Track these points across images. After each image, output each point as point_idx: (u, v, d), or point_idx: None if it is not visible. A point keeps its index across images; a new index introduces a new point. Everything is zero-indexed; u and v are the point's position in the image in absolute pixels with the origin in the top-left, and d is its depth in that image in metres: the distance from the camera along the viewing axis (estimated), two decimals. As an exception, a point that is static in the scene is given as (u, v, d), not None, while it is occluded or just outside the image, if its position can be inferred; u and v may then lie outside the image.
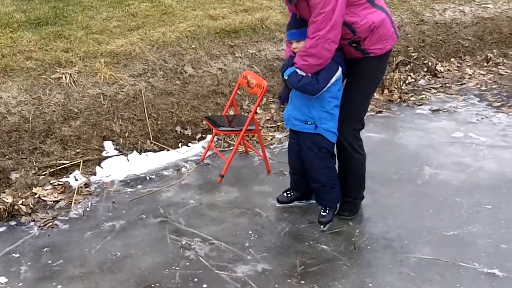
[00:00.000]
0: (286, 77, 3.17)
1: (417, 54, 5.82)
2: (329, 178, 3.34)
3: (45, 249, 3.24)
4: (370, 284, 2.94)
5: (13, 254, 3.21)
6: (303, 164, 3.39)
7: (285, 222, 3.47)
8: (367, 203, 3.61)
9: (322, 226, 3.40)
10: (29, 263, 3.13)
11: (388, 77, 5.36)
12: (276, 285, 2.94)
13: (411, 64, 5.70)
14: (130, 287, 2.94)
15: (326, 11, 2.89)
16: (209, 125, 4.08)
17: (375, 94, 5.28)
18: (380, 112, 5.01)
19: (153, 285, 2.93)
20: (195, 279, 2.98)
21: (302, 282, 2.97)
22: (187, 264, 3.10)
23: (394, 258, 3.15)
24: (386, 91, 5.28)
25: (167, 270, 3.05)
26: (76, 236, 3.36)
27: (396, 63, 5.44)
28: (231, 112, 4.28)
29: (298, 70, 3.10)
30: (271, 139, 4.47)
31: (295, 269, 3.06)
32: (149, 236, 3.36)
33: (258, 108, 4.70)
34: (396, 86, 5.30)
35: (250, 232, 3.38)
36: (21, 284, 2.97)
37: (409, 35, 5.98)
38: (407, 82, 5.55)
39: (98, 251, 3.22)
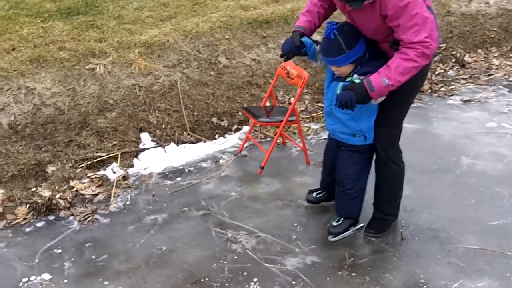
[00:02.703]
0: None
1: (445, 45, 5.75)
2: (354, 185, 3.15)
3: (87, 244, 3.20)
4: (421, 275, 2.92)
5: (55, 250, 3.16)
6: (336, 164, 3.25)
7: (330, 213, 3.42)
8: (408, 193, 3.54)
9: (330, 236, 3.20)
10: (72, 259, 3.09)
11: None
12: (328, 278, 2.92)
13: (440, 55, 5.64)
14: (178, 282, 2.91)
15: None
16: (248, 116, 4.03)
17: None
18: (412, 102, 4.95)
19: (202, 280, 2.90)
20: (245, 273, 2.95)
21: (353, 274, 2.95)
22: (235, 257, 3.07)
23: (441, 249, 3.13)
24: (416, 81, 5.22)
25: (215, 264, 3.02)
26: (118, 230, 3.32)
27: (427, 54, 5.38)
28: (268, 103, 4.22)
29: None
30: (307, 129, 4.41)
31: (344, 261, 3.04)
32: (193, 229, 3.32)
33: (292, 98, 4.66)
34: (426, 77, 5.24)
35: (295, 224, 3.35)
36: (66, 280, 2.93)
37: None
38: (436, 73, 5.49)
39: (142, 245, 3.19)
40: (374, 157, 3.21)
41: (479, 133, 4.44)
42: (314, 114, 4.60)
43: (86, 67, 4.20)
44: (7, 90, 3.89)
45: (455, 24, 6.06)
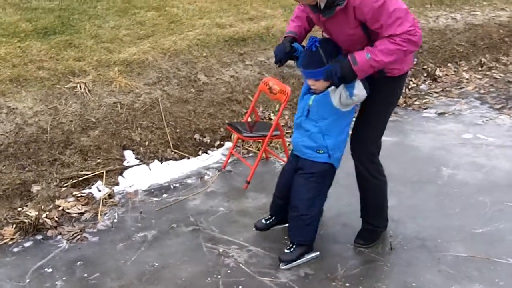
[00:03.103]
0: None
1: (416, 60, 5.94)
2: (309, 211, 3.06)
3: (78, 263, 3.16)
4: (414, 284, 2.98)
5: (45, 269, 3.12)
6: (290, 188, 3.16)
7: (320, 224, 3.46)
8: (393, 204, 3.61)
9: (281, 264, 3.10)
10: (64, 278, 3.05)
11: (392, 82, 5.48)
12: (322, 289, 2.96)
13: (412, 69, 5.82)
14: (173, 298, 2.91)
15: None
16: (232, 132, 4.06)
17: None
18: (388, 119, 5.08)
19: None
20: (240, 287, 2.96)
21: (347, 284, 2.98)
22: (229, 271, 3.07)
23: (430, 257, 3.20)
24: (391, 95, 5.37)
25: (209, 279, 3.02)
26: (108, 248, 3.29)
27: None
28: (249, 119, 4.26)
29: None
30: (288, 144, 4.48)
31: (337, 272, 3.07)
32: (183, 245, 3.31)
33: (272, 114, 4.72)
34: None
35: (285, 237, 3.35)
36: (60, 299, 2.90)
37: (407, 41, 6.11)
38: (409, 87, 5.66)
39: (133, 262, 3.16)
40: (355, 172, 3.22)
41: (456, 144, 4.58)
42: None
43: (66, 86, 4.17)
44: (-13, 110, 3.84)
45: (425, 39, 6.26)
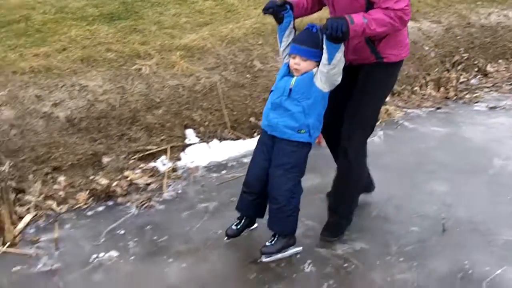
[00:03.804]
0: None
1: (467, 55, 5.98)
2: (289, 202, 3.04)
3: (147, 227, 3.41)
4: (465, 262, 3.09)
5: (118, 231, 3.37)
6: (267, 182, 3.07)
7: (371, 206, 3.61)
8: (446, 190, 3.77)
9: (263, 257, 3.08)
10: (135, 239, 3.29)
11: (443, 75, 5.56)
12: (377, 262, 3.10)
13: (463, 64, 5.87)
14: (238, 261, 3.12)
15: None
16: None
17: (431, 91, 5.49)
18: (439, 108, 5.17)
19: (259, 261, 3.08)
20: (298, 255, 3.14)
21: (401, 259, 3.12)
22: (287, 242, 3.26)
23: (482, 239, 3.30)
24: (442, 88, 5.44)
25: (270, 247, 3.21)
26: (174, 216, 3.52)
27: (453, 62, 5.62)
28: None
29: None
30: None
31: (390, 248, 3.22)
32: (244, 217, 3.51)
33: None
34: (451, 85, 5.47)
35: (340, 212, 3.53)
36: (133, 257, 3.14)
37: (458, 37, 6.15)
38: (460, 81, 5.70)
39: (198, 229, 3.38)
40: (340, 159, 3.24)
41: (507, 136, 4.62)
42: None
43: (132, 67, 4.42)
44: (62, 86, 4.10)
45: (476, 35, 6.30)
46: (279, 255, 3.10)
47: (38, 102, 3.95)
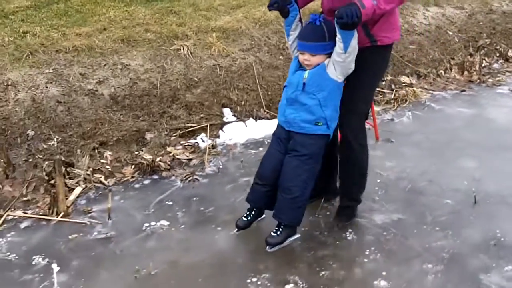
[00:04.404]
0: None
1: (489, 40, 6.12)
2: (303, 193, 3.04)
3: (194, 198, 3.59)
4: (497, 231, 3.25)
5: (166, 202, 3.56)
6: (281, 172, 3.06)
7: (406, 180, 3.78)
8: (475, 165, 3.94)
9: (268, 247, 3.08)
10: (183, 209, 3.48)
11: (466, 59, 5.71)
12: (414, 231, 3.26)
13: (485, 49, 6.00)
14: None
15: None
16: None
17: (455, 74, 5.64)
18: (463, 90, 5.33)
19: (303, 229, 3.25)
20: (338, 224, 3.31)
21: (437, 228, 3.29)
22: (327, 213, 3.42)
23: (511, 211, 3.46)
24: (466, 72, 5.59)
25: (311, 217, 3.37)
26: (218, 189, 3.70)
27: (477, 47, 5.78)
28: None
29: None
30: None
31: (426, 218, 3.38)
32: (283, 189, 3.68)
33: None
34: (475, 69, 5.61)
35: (376, 188, 3.68)
36: (183, 226, 3.32)
37: (481, 23, 6.29)
38: (482, 65, 5.84)
39: (241, 201, 3.50)
40: (341, 146, 3.22)
41: (531, 117, 4.80)
42: (374, 98, 4.95)
43: (171, 48, 4.58)
44: (104, 65, 4.28)
45: (498, 21, 6.44)
46: (282, 245, 3.13)
47: (82, 80, 4.13)
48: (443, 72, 5.60)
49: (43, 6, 4.92)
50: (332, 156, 3.33)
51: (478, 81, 5.56)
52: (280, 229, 3.11)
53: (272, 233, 3.11)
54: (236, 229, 3.24)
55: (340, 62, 2.92)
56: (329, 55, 2.96)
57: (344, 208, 3.39)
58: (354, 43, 2.88)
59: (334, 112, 3.05)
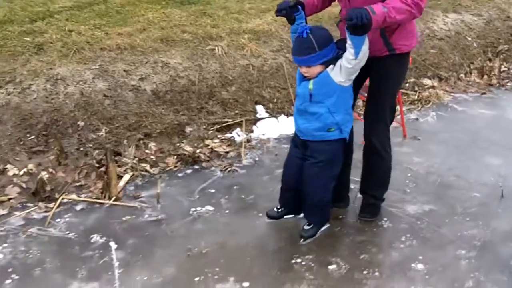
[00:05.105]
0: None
1: (507, 46, 6.33)
2: (324, 197, 3.21)
3: (234, 187, 3.80)
4: (525, 223, 3.46)
5: (209, 190, 3.77)
6: (302, 178, 3.21)
7: (434, 175, 3.98)
8: (500, 163, 4.13)
9: (301, 240, 3.25)
10: (226, 197, 3.69)
11: (485, 64, 5.92)
12: (446, 220, 3.46)
13: (504, 54, 6.21)
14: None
15: None
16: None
17: (475, 78, 5.85)
18: (484, 93, 5.54)
19: (340, 217, 3.45)
20: (361, 220, 3.48)
21: (467, 219, 3.48)
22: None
23: (539, 204, 3.67)
24: (485, 76, 5.80)
25: (341, 203, 3.56)
26: (256, 179, 3.92)
27: (496, 52, 6.00)
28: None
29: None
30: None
31: (455, 210, 3.58)
32: (319, 181, 3.88)
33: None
34: (494, 73, 5.82)
35: (406, 181, 3.89)
36: (227, 211, 3.54)
37: (499, 29, 6.50)
38: (501, 70, 6.04)
39: (279, 191, 3.65)
40: (365, 149, 3.35)
41: (549, 119, 5.00)
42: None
43: (206, 48, 4.82)
44: (146, 63, 4.51)
45: (517, 28, 6.66)
46: (315, 237, 3.29)
47: (126, 76, 4.36)
48: (463, 75, 5.81)
49: (85, 6, 5.16)
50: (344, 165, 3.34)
51: (498, 84, 5.77)
52: (312, 224, 3.30)
53: (305, 227, 3.30)
54: (267, 217, 3.43)
55: (349, 68, 2.94)
56: (325, 63, 2.98)
57: (368, 205, 3.51)
58: (365, 49, 2.90)
59: (346, 115, 3.12)
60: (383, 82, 3.17)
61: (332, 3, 3.33)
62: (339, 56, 2.98)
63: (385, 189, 3.51)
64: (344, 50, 2.95)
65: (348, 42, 2.89)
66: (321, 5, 3.27)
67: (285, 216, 3.43)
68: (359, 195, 3.58)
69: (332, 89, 3.02)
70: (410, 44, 3.14)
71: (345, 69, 2.96)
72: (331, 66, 2.99)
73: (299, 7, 3.07)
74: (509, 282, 2.93)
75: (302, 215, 3.39)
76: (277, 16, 3.13)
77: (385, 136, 3.32)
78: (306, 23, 3.10)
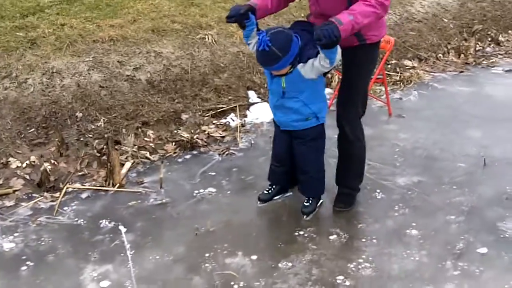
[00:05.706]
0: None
1: (481, 26, 6.59)
2: (318, 169, 3.42)
3: (233, 169, 3.98)
4: (507, 187, 3.67)
5: (209, 173, 3.94)
6: (293, 156, 3.40)
7: (421, 149, 4.21)
8: (481, 135, 4.37)
9: (305, 216, 3.43)
10: (226, 178, 3.86)
11: (461, 44, 6.18)
12: (435, 189, 3.70)
13: (478, 34, 6.47)
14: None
15: None
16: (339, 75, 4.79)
17: (453, 57, 6.10)
18: (462, 71, 5.79)
19: (335, 191, 3.65)
20: (368, 187, 3.71)
21: (454, 187, 3.73)
22: (355, 177, 3.84)
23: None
24: (462, 55, 6.06)
25: (341, 181, 3.78)
26: (253, 161, 4.09)
27: (471, 32, 6.27)
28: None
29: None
30: (379, 91, 5.20)
31: (443, 180, 3.82)
32: (313, 160, 4.07)
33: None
34: (470, 52, 6.08)
35: (395, 156, 4.12)
36: (229, 192, 3.72)
37: (473, 10, 6.77)
38: (476, 49, 6.31)
39: (276, 170, 3.94)
40: (339, 137, 3.45)
41: (526, 93, 5.28)
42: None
43: (197, 37, 4.95)
44: (139, 53, 4.63)
45: (487, 9, 6.92)
46: (315, 211, 3.49)
47: (120, 67, 4.48)
48: (441, 55, 6.06)
49: (75, 0, 5.23)
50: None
51: (474, 63, 6.02)
52: (310, 200, 3.50)
53: (305, 203, 3.49)
54: (259, 202, 3.56)
55: (324, 70, 3.09)
56: (292, 62, 3.06)
57: (343, 195, 3.57)
58: (339, 57, 3.03)
59: (321, 102, 3.28)
60: (355, 71, 3.27)
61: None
62: (302, 48, 3.06)
63: (359, 178, 3.58)
64: (301, 29, 3.10)
65: (321, 54, 3.01)
66: (276, 7, 3.29)
67: (274, 198, 3.57)
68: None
69: (304, 85, 3.15)
70: (379, 34, 3.23)
71: (318, 70, 3.09)
72: (301, 64, 3.09)
73: (250, 13, 3.10)
74: (496, 241, 3.18)
75: (290, 193, 3.61)
76: (227, 22, 3.19)
77: (357, 124, 3.40)
78: (258, 28, 3.17)
